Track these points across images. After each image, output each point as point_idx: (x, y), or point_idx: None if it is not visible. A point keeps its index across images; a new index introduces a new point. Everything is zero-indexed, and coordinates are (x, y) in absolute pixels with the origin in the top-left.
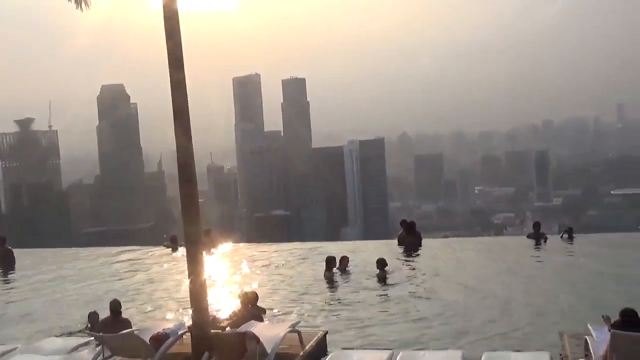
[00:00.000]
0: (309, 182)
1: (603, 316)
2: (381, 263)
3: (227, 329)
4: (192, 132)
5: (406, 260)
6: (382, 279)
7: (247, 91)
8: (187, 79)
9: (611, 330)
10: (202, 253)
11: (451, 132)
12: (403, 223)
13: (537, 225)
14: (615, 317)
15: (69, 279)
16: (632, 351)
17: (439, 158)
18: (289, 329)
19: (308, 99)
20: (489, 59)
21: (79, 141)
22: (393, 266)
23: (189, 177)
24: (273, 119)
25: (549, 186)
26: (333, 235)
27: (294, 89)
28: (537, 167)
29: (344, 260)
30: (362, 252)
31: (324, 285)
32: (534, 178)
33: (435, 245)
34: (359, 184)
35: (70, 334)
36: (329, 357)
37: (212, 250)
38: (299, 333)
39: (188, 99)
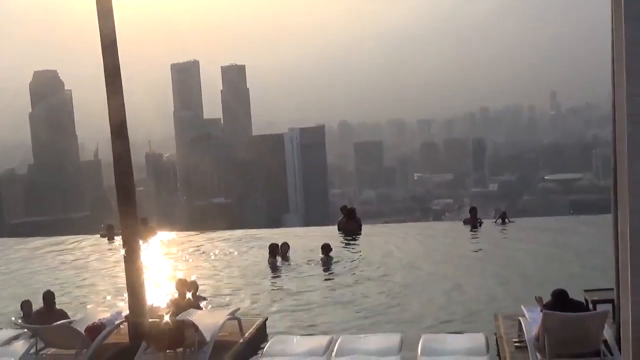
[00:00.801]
0: (249, 169)
1: (535, 297)
2: (325, 249)
3: (166, 317)
4: (129, 120)
5: (347, 246)
6: (325, 264)
7: (185, 78)
8: (123, 66)
9: (543, 311)
10: (138, 242)
11: (391, 120)
12: (343, 209)
13: (473, 210)
14: (547, 298)
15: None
16: (561, 330)
17: (378, 145)
18: (229, 317)
19: (248, 86)
20: (427, 47)
21: (10, 129)
22: (336, 252)
23: (125, 165)
24: (212, 106)
25: (486, 172)
26: (274, 222)
27: (234, 76)
28: (474, 154)
29: (284, 246)
30: (303, 239)
31: (266, 272)
32: (471, 165)
33: (376, 231)
34: (300, 171)
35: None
36: (268, 343)
37: (150, 239)
38: (239, 320)
39: (123, 86)
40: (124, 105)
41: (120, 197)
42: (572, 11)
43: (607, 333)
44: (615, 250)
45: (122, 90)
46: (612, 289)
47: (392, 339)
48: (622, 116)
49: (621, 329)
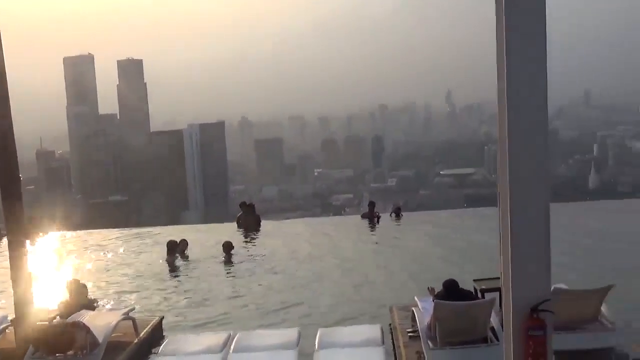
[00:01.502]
0: (147, 166)
1: (428, 288)
2: (226, 245)
3: (55, 320)
4: (19, 117)
5: (246, 242)
6: (225, 261)
7: (79, 72)
8: (13, 58)
9: (434, 301)
10: (24, 242)
11: (291, 117)
12: (242, 205)
13: (371, 205)
14: (440, 288)
15: None
16: (451, 318)
17: (279, 142)
18: (123, 317)
19: (145, 81)
20: (327, 44)
21: None
22: (236, 248)
23: (10, 163)
24: (108, 101)
25: (385, 168)
26: (173, 219)
27: (131, 71)
28: (373, 150)
29: (183, 243)
30: (203, 235)
31: (163, 270)
32: (370, 161)
33: (276, 227)
34: (200, 167)
35: None
36: (164, 342)
37: (38, 238)
38: (134, 320)
39: (8, 80)
40: (8, 99)
41: (5, 195)
42: (467, 11)
43: (494, 320)
44: (499, 241)
45: (6, 86)
46: (498, 278)
47: (289, 334)
48: (503, 117)
49: (503, 315)
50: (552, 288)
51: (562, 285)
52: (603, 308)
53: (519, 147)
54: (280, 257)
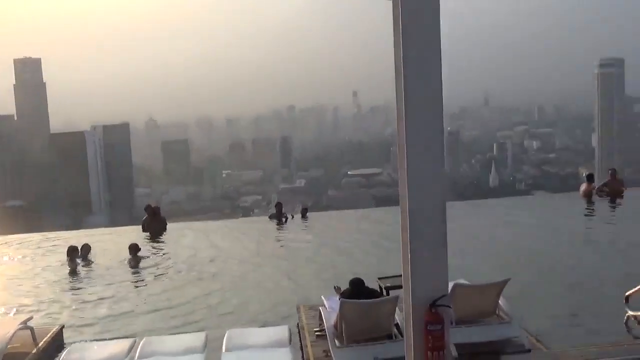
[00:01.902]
0: (48, 169)
1: (334, 287)
2: (133, 249)
3: None
4: None
5: (153, 246)
6: (132, 265)
7: None
8: None
9: (340, 299)
10: None
11: (199, 118)
12: (147, 208)
13: (278, 206)
14: (346, 287)
15: None
16: (357, 316)
17: (186, 144)
18: (20, 326)
19: (45, 81)
20: (234, 45)
21: None
22: (142, 252)
23: None
24: (4, 102)
25: (293, 169)
26: (77, 224)
27: (28, 70)
28: (281, 151)
29: (85, 248)
30: (107, 240)
31: (65, 276)
32: (279, 162)
33: (183, 229)
34: (104, 170)
35: None
36: (64, 352)
37: None
38: (32, 329)
39: None
40: None
41: None
42: (372, 13)
43: (399, 316)
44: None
45: None
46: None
47: (196, 337)
48: (401, 119)
49: (404, 312)
50: (453, 283)
51: (463, 281)
52: (501, 301)
53: (416, 148)
54: (187, 260)
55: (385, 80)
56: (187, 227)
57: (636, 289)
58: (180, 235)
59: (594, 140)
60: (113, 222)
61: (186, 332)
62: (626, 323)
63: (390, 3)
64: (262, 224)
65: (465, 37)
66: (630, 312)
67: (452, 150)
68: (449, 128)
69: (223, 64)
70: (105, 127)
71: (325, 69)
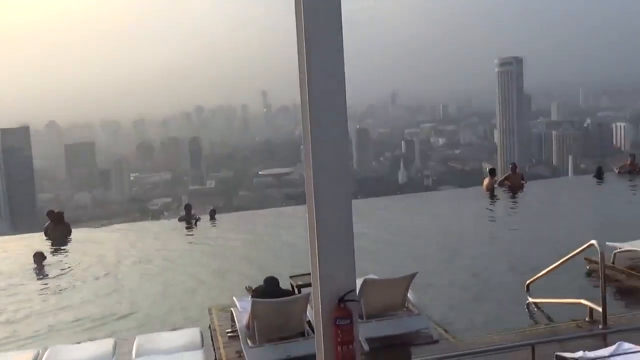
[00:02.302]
0: None
1: (246, 287)
2: (37, 256)
3: None
4: None
5: (57, 252)
6: (37, 273)
7: None
8: None
9: (251, 299)
10: None
11: (104, 121)
12: (50, 214)
13: (187, 208)
14: (258, 286)
15: None
16: (269, 316)
17: (91, 147)
18: None
19: None
20: (141, 46)
21: None
22: (47, 259)
23: None
24: None
25: (203, 170)
26: None
27: None
28: (191, 152)
29: None
30: (8, 248)
31: None
32: (188, 163)
33: (89, 235)
34: (3, 176)
35: None
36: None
37: None
38: None
39: None
40: None
41: None
42: (280, 13)
43: (311, 314)
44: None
45: None
46: None
47: (105, 345)
48: (306, 118)
49: (314, 308)
50: (363, 279)
51: (372, 276)
52: (409, 294)
53: (321, 147)
54: (93, 266)
55: (293, 80)
56: (94, 232)
57: (536, 277)
58: (87, 240)
59: (496, 136)
60: (15, 229)
61: (94, 340)
62: (527, 309)
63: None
64: (172, 226)
65: (372, 36)
66: (531, 299)
67: (361, 147)
68: (357, 126)
69: (128, 65)
70: (3, 131)
71: (233, 69)
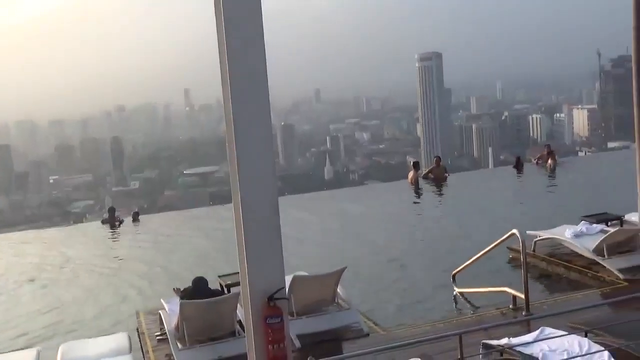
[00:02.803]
0: None
1: (174, 289)
2: None
3: None
4: None
5: None
6: None
7: None
8: None
9: (180, 301)
10: None
11: (19, 122)
12: None
13: (111, 210)
14: (187, 287)
15: None
16: (198, 316)
17: (6, 149)
18: None
19: None
20: (59, 46)
21: None
22: None
23: None
24: None
25: (126, 171)
26: None
27: None
28: (112, 153)
29: None
30: None
31: None
32: (110, 164)
33: (4, 241)
34: None
35: None
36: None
37: None
38: None
39: None
40: None
41: None
42: (199, 10)
43: (241, 313)
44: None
45: None
46: None
47: (26, 355)
48: (229, 116)
49: (243, 307)
50: (292, 276)
51: (302, 272)
52: (339, 289)
53: (246, 144)
54: (8, 276)
55: (216, 78)
56: (10, 237)
57: (461, 267)
58: (2, 248)
59: (419, 130)
60: None
61: (16, 350)
62: (454, 300)
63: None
64: (95, 229)
65: (295, 32)
66: (457, 289)
67: (287, 144)
68: (282, 123)
69: (42, 63)
70: None
71: (155, 68)
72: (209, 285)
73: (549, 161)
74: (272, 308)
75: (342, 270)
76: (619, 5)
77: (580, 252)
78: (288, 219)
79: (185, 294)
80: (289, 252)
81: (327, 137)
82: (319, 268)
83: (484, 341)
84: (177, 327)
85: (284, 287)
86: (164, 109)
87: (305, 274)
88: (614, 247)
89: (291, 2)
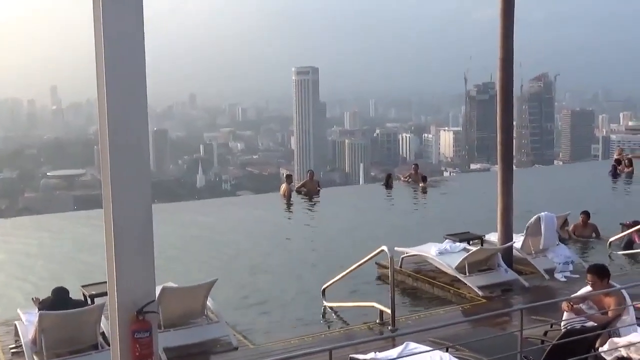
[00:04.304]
0: None
1: (32, 299)
2: None
3: None
4: None
5: None
6: None
7: None
8: None
9: (38, 312)
10: None
11: None
12: None
13: None
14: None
15: None
16: (58, 328)
17: None
18: None
19: None
20: None
21: None
22: None
23: None
24: None
25: None
26: None
27: None
28: None
29: None
30: None
31: None
32: None
33: None
34: None
35: None
36: None
37: None
38: None
39: None
40: None
41: None
42: (74, 5)
43: (106, 325)
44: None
45: None
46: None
47: None
48: (103, 118)
49: (109, 320)
50: (161, 287)
51: (171, 284)
52: (208, 302)
53: (120, 148)
54: None
55: (88, 76)
56: None
57: (331, 282)
58: None
59: (293, 143)
60: None
61: None
62: (323, 314)
63: None
64: None
65: (170, 33)
66: (327, 304)
67: (159, 149)
68: (155, 128)
69: None
70: None
71: (18, 64)
72: (71, 296)
73: (421, 183)
74: (140, 322)
75: (213, 282)
76: (487, 35)
77: (444, 269)
78: (159, 227)
79: (44, 305)
80: (158, 262)
81: (201, 145)
82: (188, 280)
83: (351, 356)
84: (34, 340)
85: (154, 300)
86: (28, 105)
87: (175, 285)
88: (475, 265)
89: (168, 4)
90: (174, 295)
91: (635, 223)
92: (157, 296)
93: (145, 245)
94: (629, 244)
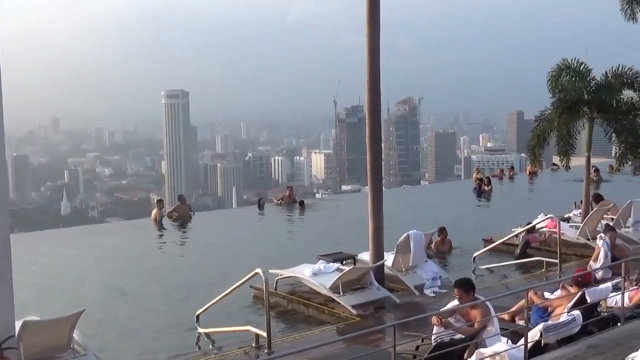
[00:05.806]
0: None
1: None
2: None
3: None
4: None
5: None
6: None
7: None
8: None
9: None
10: None
11: None
12: None
13: None
14: None
15: None
16: None
17: None
18: None
19: None
20: None
21: None
22: None
23: None
24: None
25: None
26: None
27: None
28: None
29: None
30: None
31: None
32: None
33: None
34: None
35: None
36: None
37: None
38: None
39: None
40: None
41: None
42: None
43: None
44: None
45: None
46: None
47: None
48: None
49: None
50: (22, 321)
51: (33, 317)
52: (75, 334)
53: None
54: None
55: None
56: None
57: (206, 307)
58: None
59: (164, 167)
60: None
61: None
62: (197, 340)
63: None
64: None
65: (32, 55)
66: (201, 330)
67: (19, 176)
68: (14, 154)
69: None
70: None
71: None
72: None
73: (298, 206)
74: (1, 358)
75: (80, 313)
76: (355, 60)
77: (318, 289)
78: (18, 259)
79: None
80: (17, 296)
81: (66, 171)
82: (52, 312)
83: None
84: None
85: (14, 335)
86: None
87: (37, 318)
88: (348, 285)
89: (28, 26)
90: (36, 329)
91: (528, 224)
92: (17, 331)
93: (4, 278)
94: (525, 245)
